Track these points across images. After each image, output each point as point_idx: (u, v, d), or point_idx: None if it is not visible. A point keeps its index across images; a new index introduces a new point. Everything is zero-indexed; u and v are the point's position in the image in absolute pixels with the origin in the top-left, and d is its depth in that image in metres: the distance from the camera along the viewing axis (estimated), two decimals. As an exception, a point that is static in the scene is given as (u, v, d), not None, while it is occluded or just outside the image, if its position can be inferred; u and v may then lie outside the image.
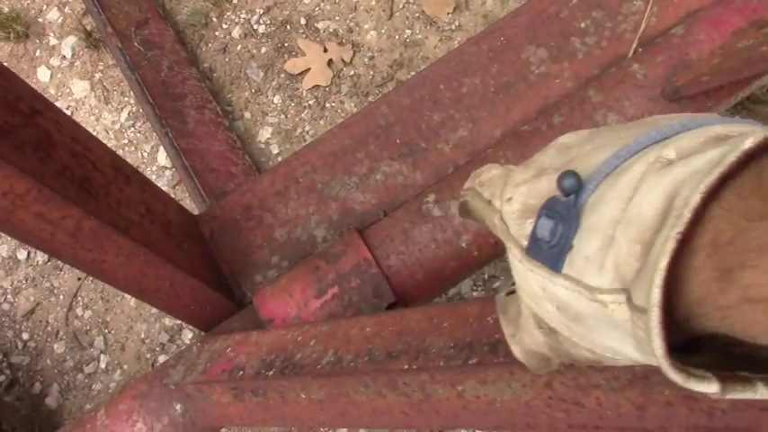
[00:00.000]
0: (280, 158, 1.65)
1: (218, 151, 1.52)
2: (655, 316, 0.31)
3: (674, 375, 0.31)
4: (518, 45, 1.06)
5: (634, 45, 1.01)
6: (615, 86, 0.97)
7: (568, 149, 0.43)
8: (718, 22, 0.95)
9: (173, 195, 1.65)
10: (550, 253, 0.38)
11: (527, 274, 0.41)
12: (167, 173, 1.66)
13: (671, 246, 0.30)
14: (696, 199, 0.30)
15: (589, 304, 0.36)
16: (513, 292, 0.50)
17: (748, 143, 0.29)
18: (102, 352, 1.57)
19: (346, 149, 1.07)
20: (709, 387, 0.31)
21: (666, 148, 0.34)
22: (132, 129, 1.72)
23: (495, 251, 0.91)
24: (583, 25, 1.05)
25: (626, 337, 0.35)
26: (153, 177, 1.67)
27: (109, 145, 1.72)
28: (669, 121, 0.38)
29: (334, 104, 1.66)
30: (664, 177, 0.33)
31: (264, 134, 1.67)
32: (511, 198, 0.43)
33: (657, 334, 0.31)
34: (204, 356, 0.88)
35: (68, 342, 1.59)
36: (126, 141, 1.72)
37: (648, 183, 0.33)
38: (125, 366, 1.55)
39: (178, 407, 0.91)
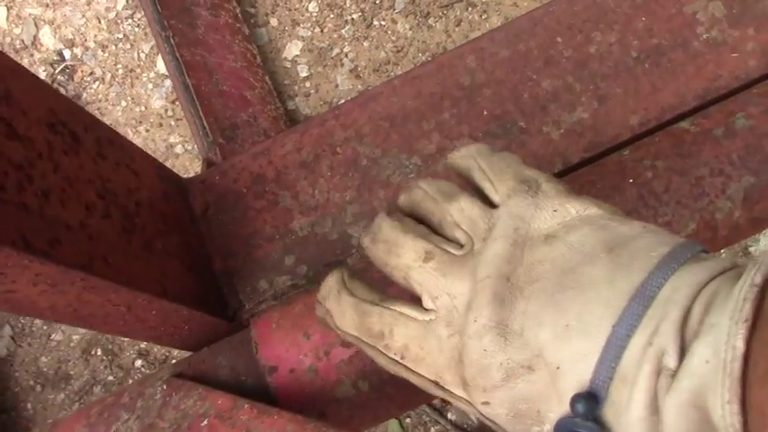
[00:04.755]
0: (308, 83, 1.31)
1: (232, 68, 1.19)
2: None
3: None
4: (680, -9, 0.72)
5: None
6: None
7: (517, 335, 0.41)
8: None
9: (169, 112, 1.33)
10: None
11: None
12: (167, 83, 1.33)
13: None
14: (736, 421, 0.32)
15: None
16: None
17: (740, 345, 0.32)
18: (67, 295, 1.29)
19: (409, 114, 0.74)
20: None
21: (666, 355, 0.35)
22: (130, 20, 1.38)
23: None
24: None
25: None
26: (149, 87, 1.34)
27: (99, 38, 1.38)
28: (612, 291, 0.38)
29: (384, 23, 1.31)
30: (680, 395, 0.34)
31: (292, 50, 1.33)
32: (488, 402, 0.42)
33: None
34: (168, 418, 0.59)
35: (28, 277, 1.31)
36: (121, 36, 1.37)
37: (668, 404, 0.35)
38: (93, 317, 1.27)
39: (127, 473, 0.63)
